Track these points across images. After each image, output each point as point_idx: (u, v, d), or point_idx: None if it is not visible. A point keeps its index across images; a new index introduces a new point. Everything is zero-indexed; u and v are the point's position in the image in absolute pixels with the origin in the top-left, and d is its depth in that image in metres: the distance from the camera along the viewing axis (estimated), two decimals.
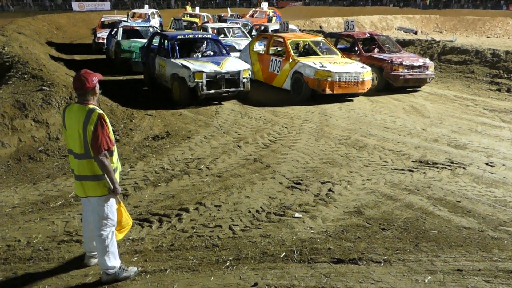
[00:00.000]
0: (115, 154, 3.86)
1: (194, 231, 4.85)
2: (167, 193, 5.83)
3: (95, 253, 4.08)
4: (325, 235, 4.79)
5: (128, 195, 5.73)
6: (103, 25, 21.34)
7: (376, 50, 13.41)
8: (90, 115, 3.58)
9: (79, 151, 3.67)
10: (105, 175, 3.66)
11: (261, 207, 5.42)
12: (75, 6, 49.30)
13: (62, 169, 6.68)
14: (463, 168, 6.78)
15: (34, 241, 4.63)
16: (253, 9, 36.95)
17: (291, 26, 16.60)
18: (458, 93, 12.50)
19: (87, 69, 3.76)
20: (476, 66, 15.13)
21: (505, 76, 13.83)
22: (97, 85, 3.72)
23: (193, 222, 5.05)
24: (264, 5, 34.27)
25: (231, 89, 10.60)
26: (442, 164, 6.91)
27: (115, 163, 3.84)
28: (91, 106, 3.64)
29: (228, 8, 36.26)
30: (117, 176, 3.85)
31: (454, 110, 10.55)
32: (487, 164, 6.97)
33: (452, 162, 7.00)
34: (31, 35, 21.29)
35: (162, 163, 6.89)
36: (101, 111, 3.64)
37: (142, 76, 13.36)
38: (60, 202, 5.57)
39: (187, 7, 35.16)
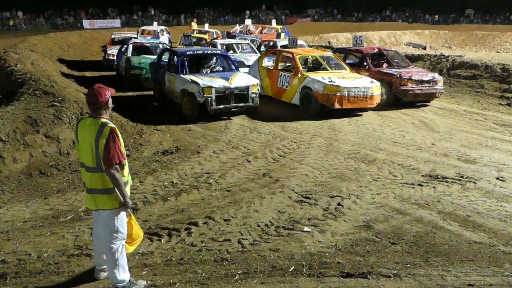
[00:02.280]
0: (126, 167, 3.90)
1: (203, 245, 4.86)
2: (177, 207, 5.85)
3: (105, 266, 4.10)
4: (334, 249, 4.77)
5: (138, 209, 5.76)
6: (113, 42, 21.62)
7: (385, 65, 13.45)
8: (103, 129, 3.63)
9: (91, 165, 3.71)
10: (116, 189, 3.69)
11: (270, 221, 5.42)
12: (86, 24, 50.01)
13: (73, 183, 6.73)
14: (474, 182, 6.74)
15: (45, 255, 4.65)
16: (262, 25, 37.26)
17: (299, 42, 16.71)
18: (468, 108, 12.46)
19: (100, 84, 3.82)
20: (485, 80, 15.08)
21: None
22: (110, 100, 3.78)
23: (202, 236, 5.05)
24: (272, 21, 34.60)
25: (240, 104, 10.66)
26: (452, 179, 6.88)
27: (126, 176, 3.88)
28: (103, 120, 3.69)
29: (237, 25, 36.55)
30: (128, 190, 3.88)
31: (464, 124, 10.51)
32: (497, 178, 6.92)
33: (462, 177, 6.96)
34: (43, 52, 21.61)
35: (171, 177, 6.93)
36: (113, 125, 3.69)
37: (152, 92, 13.47)
38: (70, 217, 5.60)
39: (193, 23, 35.46)
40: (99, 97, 3.69)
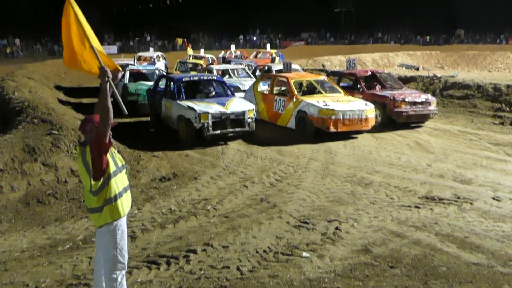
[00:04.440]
0: (120, 177, 3.88)
1: (202, 272, 4.86)
2: (175, 235, 5.86)
3: None
4: (333, 274, 4.78)
5: (136, 237, 5.76)
6: None
7: (378, 87, 13.60)
8: (85, 150, 3.74)
9: (91, 188, 3.75)
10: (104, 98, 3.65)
11: (268, 247, 5.43)
12: None
13: (70, 212, 6.74)
14: (470, 203, 6.78)
15: (43, 285, 4.64)
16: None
17: (294, 66, 16.88)
18: (462, 128, 12.58)
19: (90, 115, 3.89)
20: (478, 100, 15.25)
21: (508, 109, 13.93)
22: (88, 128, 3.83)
23: (201, 264, 5.05)
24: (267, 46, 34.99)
25: (237, 129, 10.74)
26: (449, 200, 6.92)
27: (116, 188, 3.84)
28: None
29: (233, 45, 36.80)
30: (124, 202, 3.87)
31: (459, 145, 10.60)
32: (493, 198, 6.96)
33: (458, 198, 7.00)
34: (40, 79, 21.72)
35: (169, 204, 6.94)
36: None
37: (148, 118, 13.54)
38: (68, 246, 5.60)
39: (188, 48, 35.82)
40: (80, 127, 3.85)
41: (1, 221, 6.44)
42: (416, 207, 6.66)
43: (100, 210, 3.76)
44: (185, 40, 43.57)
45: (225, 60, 24.89)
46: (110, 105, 3.62)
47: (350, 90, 13.48)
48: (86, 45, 4.02)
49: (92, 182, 3.70)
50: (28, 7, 53.06)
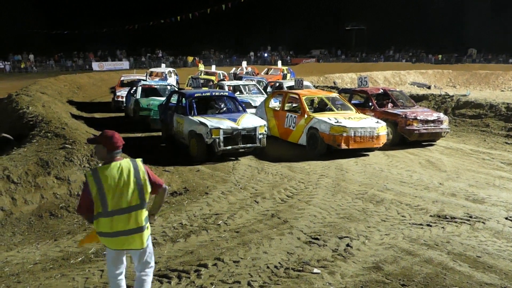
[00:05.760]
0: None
1: (213, 287, 4.86)
2: (186, 249, 5.87)
3: None
4: None
5: None
6: (122, 84, 22.03)
7: (390, 105, 13.61)
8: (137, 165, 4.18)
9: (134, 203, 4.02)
10: None
11: (279, 263, 5.42)
12: (95, 66, 51.07)
13: (82, 225, 6.79)
14: (482, 222, 6.73)
15: None
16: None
17: (305, 83, 16.98)
18: (474, 147, 12.51)
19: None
20: (491, 119, 15.19)
21: None
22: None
23: (212, 278, 5.06)
24: (279, 63, 35.22)
25: (248, 145, 10.78)
26: (461, 219, 6.87)
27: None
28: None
29: (244, 61, 37.09)
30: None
31: (471, 164, 10.54)
32: (506, 218, 6.90)
33: (471, 217, 6.95)
34: (53, 94, 22.04)
35: (180, 219, 6.97)
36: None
37: (160, 133, 13.65)
38: (80, 258, 5.63)
39: (200, 65, 36.18)
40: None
41: (14, 233, 6.51)
42: (428, 225, 6.62)
43: (144, 229, 4.03)
44: (196, 58, 44.06)
45: (236, 76, 25.09)
46: None
47: (362, 107, 13.51)
48: None
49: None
50: (43, 25, 54.03)
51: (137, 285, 4.12)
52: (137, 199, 3.96)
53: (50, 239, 6.31)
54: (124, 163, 3.95)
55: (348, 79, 36.90)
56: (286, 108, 12.97)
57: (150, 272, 4.15)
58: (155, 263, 5.43)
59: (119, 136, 3.98)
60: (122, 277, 4.11)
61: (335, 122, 10.94)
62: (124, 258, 4.12)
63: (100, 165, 3.83)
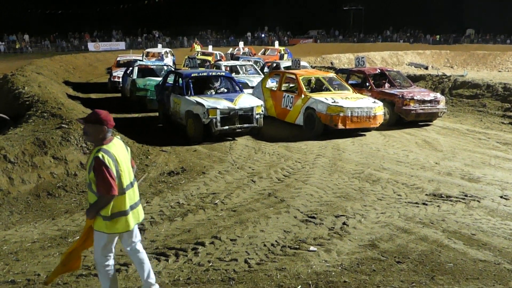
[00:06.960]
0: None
1: (210, 264, 4.91)
2: (183, 228, 5.92)
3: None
4: (340, 268, 4.81)
5: (145, 230, 5.82)
6: (118, 65, 21.87)
7: (387, 85, 13.58)
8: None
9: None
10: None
11: (276, 241, 5.47)
12: (91, 46, 50.66)
13: (80, 204, 6.82)
14: (477, 201, 6.78)
15: None
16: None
17: (302, 63, 16.90)
18: (471, 127, 12.53)
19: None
20: (487, 100, 15.19)
21: None
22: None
23: (209, 256, 5.11)
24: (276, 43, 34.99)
25: (245, 125, 10.77)
26: (456, 197, 6.92)
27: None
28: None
29: (241, 42, 36.84)
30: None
31: (467, 143, 10.58)
32: (501, 197, 6.96)
33: (466, 195, 7.00)
34: (49, 75, 21.86)
35: (177, 198, 7.00)
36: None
37: (157, 114, 13.61)
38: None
39: (195, 45, 35.76)
40: None
41: (12, 212, 6.54)
42: (424, 204, 6.67)
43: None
44: (196, 41, 43.30)
45: (233, 57, 24.95)
46: None
47: (359, 87, 13.46)
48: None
49: None
50: (37, 5, 53.43)
51: (137, 261, 4.15)
52: (132, 171, 4.10)
53: (47, 218, 6.35)
54: (115, 139, 3.97)
55: (345, 59, 36.71)
56: (283, 88, 12.93)
57: (141, 245, 4.20)
58: (152, 241, 5.50)
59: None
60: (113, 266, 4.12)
61: (332, 102, 10.92)
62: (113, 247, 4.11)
63: (104, 145, 3.81)
